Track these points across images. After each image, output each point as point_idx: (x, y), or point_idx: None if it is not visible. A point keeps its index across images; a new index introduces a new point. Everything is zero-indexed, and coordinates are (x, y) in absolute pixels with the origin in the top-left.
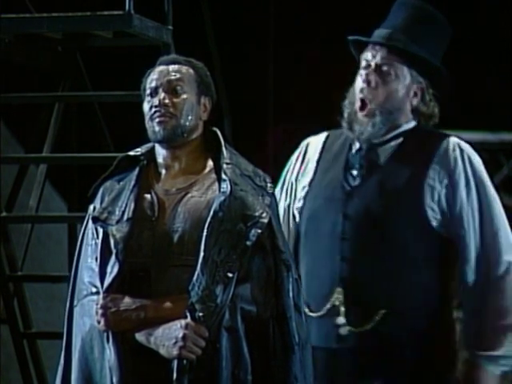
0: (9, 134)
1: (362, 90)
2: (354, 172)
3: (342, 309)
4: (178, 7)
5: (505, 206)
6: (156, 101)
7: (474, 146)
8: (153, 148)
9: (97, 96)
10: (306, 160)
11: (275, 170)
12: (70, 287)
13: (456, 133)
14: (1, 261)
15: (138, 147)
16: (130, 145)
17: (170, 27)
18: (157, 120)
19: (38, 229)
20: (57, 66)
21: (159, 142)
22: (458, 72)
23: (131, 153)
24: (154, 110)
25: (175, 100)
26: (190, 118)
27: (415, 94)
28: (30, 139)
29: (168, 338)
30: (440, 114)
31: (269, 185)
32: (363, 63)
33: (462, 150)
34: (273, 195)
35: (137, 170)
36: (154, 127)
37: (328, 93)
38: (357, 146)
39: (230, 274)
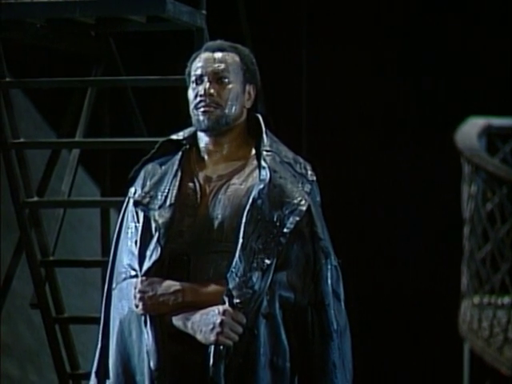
0: (41, 119)
1: None
2: None
3: None
4: None
5: None
6: (201, 89)
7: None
8: (195, 132)
9: (130, 81)
10: None
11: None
12: (109, 270)
13: (488, 118)
14: (32, 246)
15: (170, 132)
16: (162, 129)
17: (204, 12)
18: (202, 109)
19: (70, 214)
20: (90, 50)
21: (203, 130)
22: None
23: (173, 136)
24: (199, 99)
25: (220, 90)
26: (234, 107)
27: None
28: (63, 124)
29: (205, 323)
30: (472, 100)
31: (309, 172)
32: None
33: None
34: (313, 182)
35: (179, 154)
36: (198, 116)
37: (361, 81)
38: None
39: (268, 261)
